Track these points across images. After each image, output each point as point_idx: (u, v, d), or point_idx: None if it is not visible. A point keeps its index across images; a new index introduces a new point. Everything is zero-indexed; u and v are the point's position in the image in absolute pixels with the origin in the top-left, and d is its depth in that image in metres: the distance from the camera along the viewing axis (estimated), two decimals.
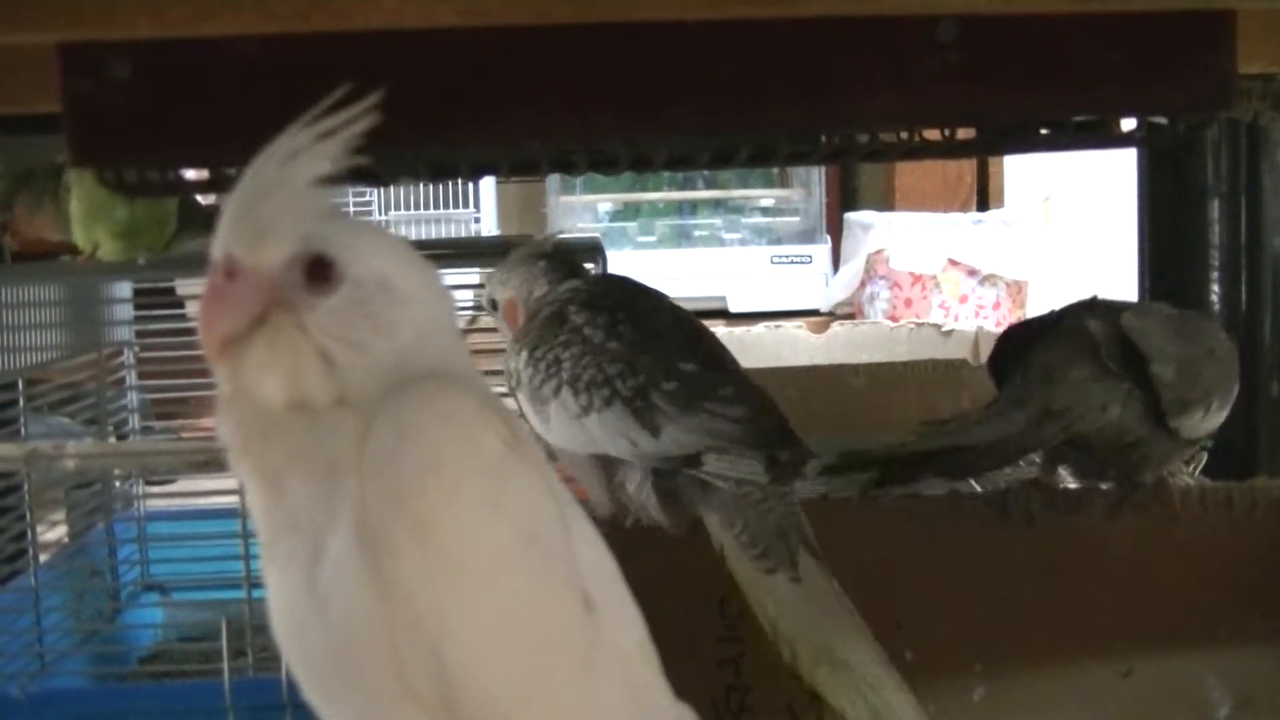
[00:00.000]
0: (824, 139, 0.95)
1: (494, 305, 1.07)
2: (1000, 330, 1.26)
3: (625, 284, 1.04)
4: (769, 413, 0.93)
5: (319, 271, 0.52)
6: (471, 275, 1.51)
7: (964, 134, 0.95)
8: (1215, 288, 1.47)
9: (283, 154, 0.53)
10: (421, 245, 1.65)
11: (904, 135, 0.93)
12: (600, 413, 0.92)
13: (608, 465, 0.95)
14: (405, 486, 0.51)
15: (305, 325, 0.52)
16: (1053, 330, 1.03)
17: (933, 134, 0.95)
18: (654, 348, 0.95)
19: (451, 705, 0.52)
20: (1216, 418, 1.03)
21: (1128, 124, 0.94)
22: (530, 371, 0.96)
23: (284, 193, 0.53)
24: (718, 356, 0.98)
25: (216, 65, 0.76)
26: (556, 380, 0.95)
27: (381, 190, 3.04)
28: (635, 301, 0.99)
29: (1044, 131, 0.92)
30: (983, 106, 0.79)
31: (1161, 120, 0.90)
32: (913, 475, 1.02)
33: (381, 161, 0.87)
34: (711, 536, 0.92)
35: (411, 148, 0.86)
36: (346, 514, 0.52)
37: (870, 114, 0.81)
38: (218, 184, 0.91)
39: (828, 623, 0.87)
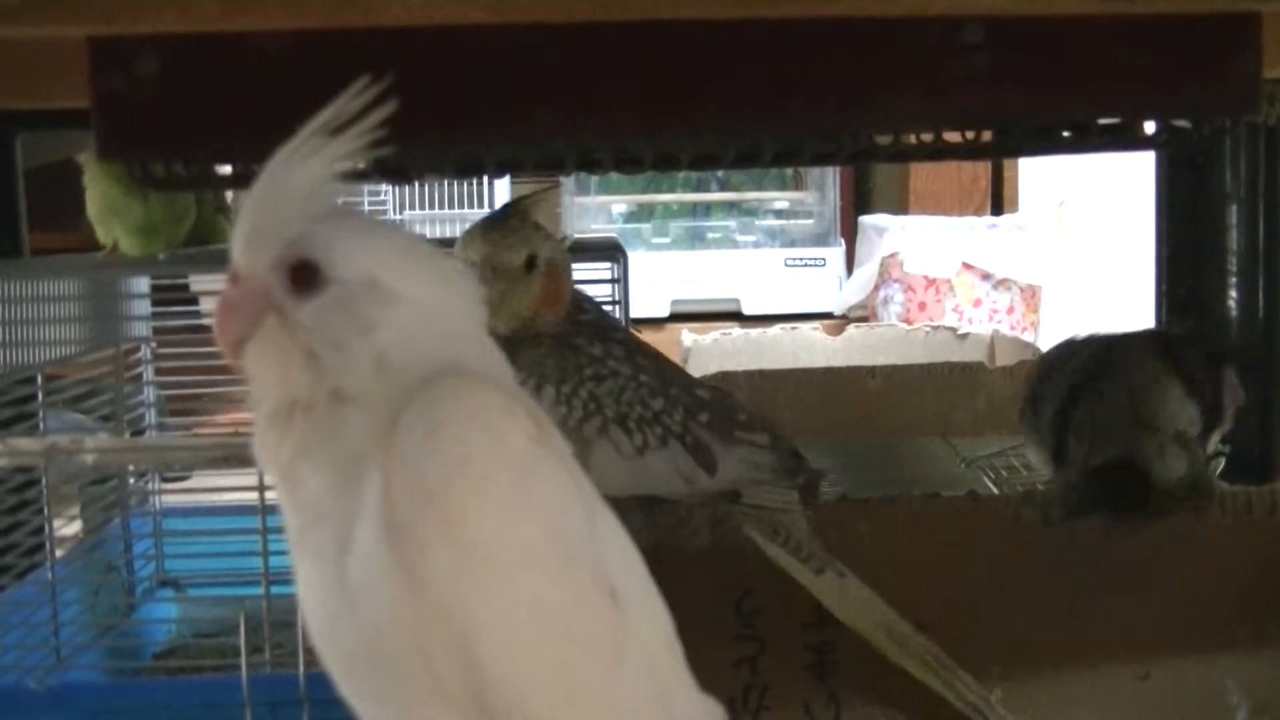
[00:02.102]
0: (848, 140, 0.95)
1: (530, 263, 0.90)
2: (1013, 335, 1.27)
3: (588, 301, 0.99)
4: (779, 434, 0.95)
5: (303, 275, 0.54)
6: None
7: (985, 135, 0.96)
8: (1233, 293, 1.46)
9: (283, 159, 0.54)
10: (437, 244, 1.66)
11: (926, 137, 0.93)
12: (657, 452, 0.89)
13: (648, 505, 0.91)
14: (433, 485, 0.52)
15: (291, 328, 0.54)
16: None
17: (953, 136, 0.95)
18: (671, 375, 0.93)
19: (481, 699, 0.52)
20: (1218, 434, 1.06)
21: (1149, 127, 0.94)
22: (564, 410, 0.89)
23: (277, 198, 0.54)
24: (693, 376, 0.98)
25: (245, 61, 0.76)
26: (600, 419, 0.89)
27: (397, 189, 3.04)
28: (612, 319, 0.97)
29: (1066, 134, 0.92)
30: (1008, 108, 0.79)
31: (1185, 124, 0.91)
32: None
33: (408, 158, 0.87)
34: (760, 547, 0.93)
35: (438, 144, 0.86)
36: (372, 507, 0.52)
37: (896, 115, 0.82)
38: (245, 179, 0.91)
39: (876, 604, 0.93)
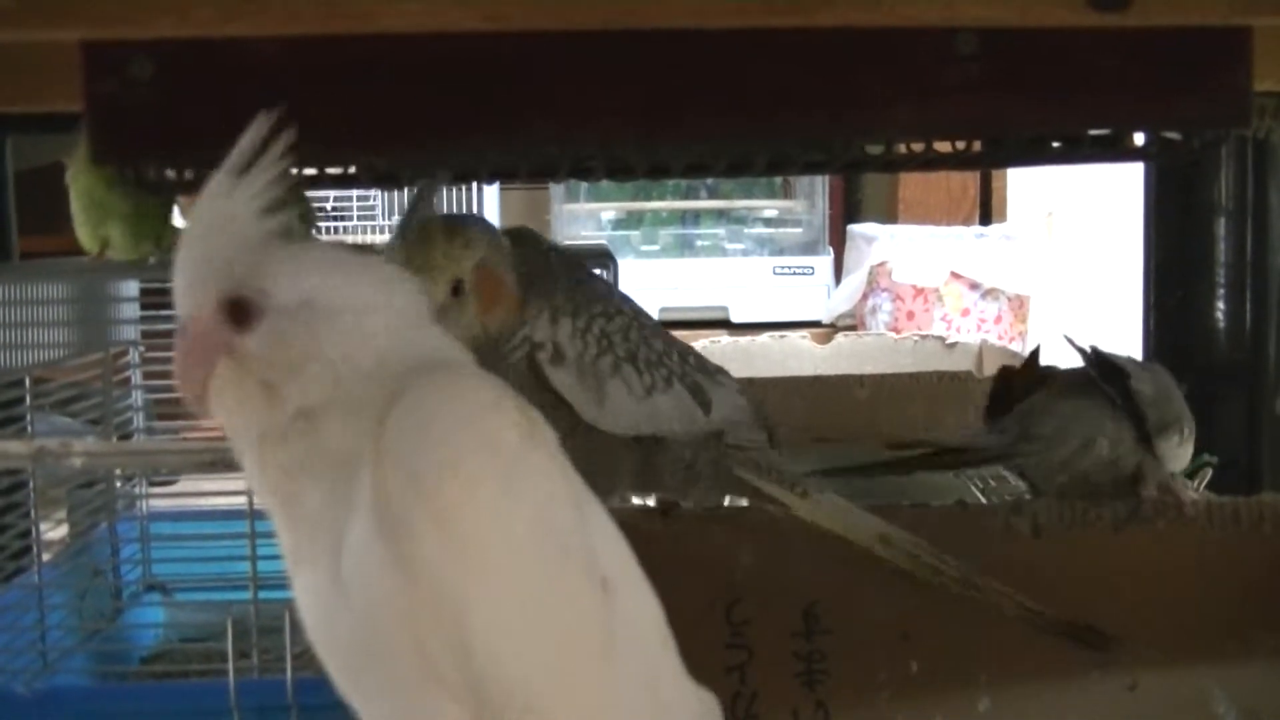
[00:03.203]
0: (840, 149, 0.95)
1: (456, 290, 0.83)
2: (1002, 345, 1.31)
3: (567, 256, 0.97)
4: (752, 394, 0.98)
5: (242, 310, 0.55)
6: None
7: (975, 146, 0.96)
8: (1221, 305, 1.47)
9: (205, 203, 0.56)
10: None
11: (917, 146, 0.93)
12: (664, 392, 0.90)
13: (643, 448, 0.92)
14: (427, 481, 0.52)
15: (243, 364, 0.55)
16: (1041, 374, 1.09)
17: (944, 145, 0.95)
18: (653, 323, 0.95)
19: (477, 689, 0.53)
20: (1187, 450, 1.07)
21: (1140, 139, 0.95)
22: (580, 344, 0.87)
23: (205, 243, 0.56)
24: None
25: (239, 66, 0.77)
26: (612, 356, 0.88)
27: (385, 196, 3.04)
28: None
29: (1057, 145, 0.93)
30: (1001, 119, 0.80)
31: (1175, 136, 0.91)
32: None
33: (401, 164, 0.87)
34: (744, 484, 0.95)
35: (432, 151, 0.86)
36: (365, 503, 0.53)
37: (889, 125, 0.82)
38: None
39: (862, 515, 0.94)
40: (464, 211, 2.83)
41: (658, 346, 0.91)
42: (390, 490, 0.53)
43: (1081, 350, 1.06)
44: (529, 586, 0.54)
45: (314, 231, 1.49)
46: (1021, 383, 1.09)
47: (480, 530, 0.53)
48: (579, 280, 0.90)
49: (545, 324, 0.86)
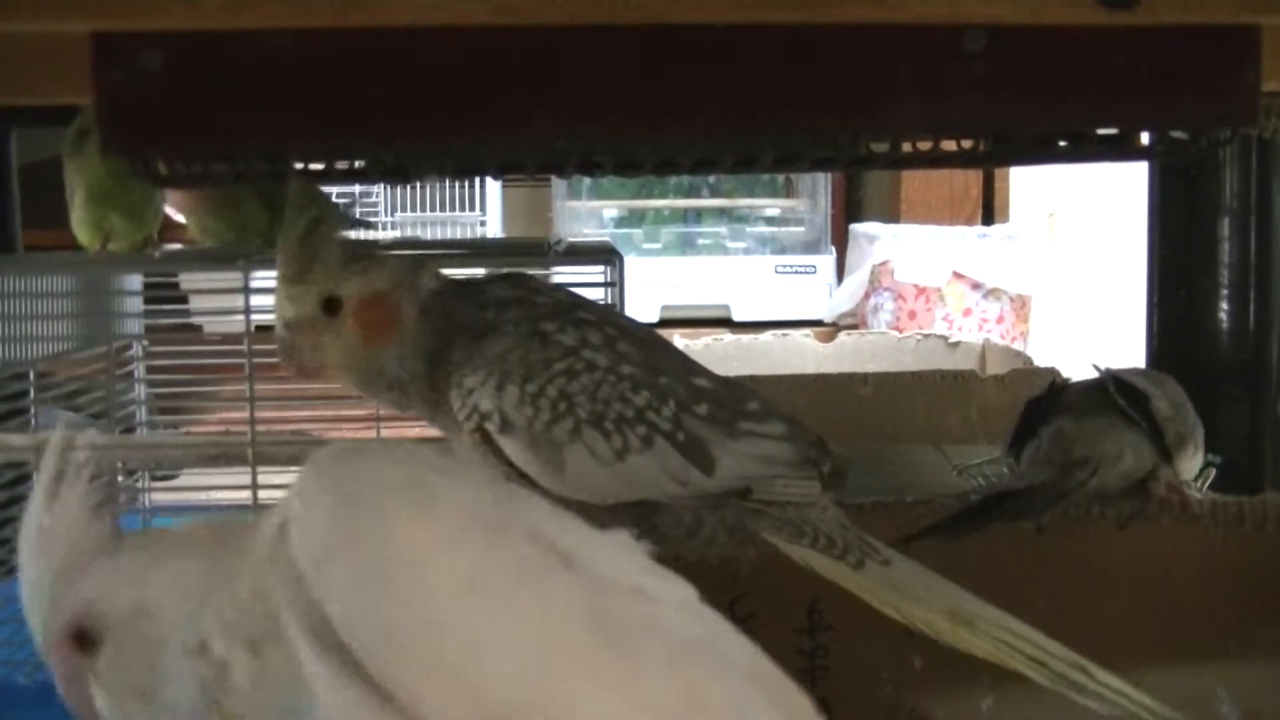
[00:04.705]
0: (848, 146, 0.95)
1: (329, 306, 0.79)
2: (1004, 344, 1.32)
3: (554, 285, 0.90)
4: (796, 422, 0.85)
5: (85, 639, 0.56)
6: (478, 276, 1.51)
7: (982, 144, 0.96)
8: (1224, 305, 1.47)
9: (23, 542, 0.57)
10: (428, 246, 1.66)
11: (924, 144, 0.93)
12: (640, 453, 0.79)
13: (640, 512, 0.82)
14: (368, 589, 0.52)
15: (107, 688, 0.56)
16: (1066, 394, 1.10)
17: (950, 143, 0.95)
18: (662, 364, 0.83)
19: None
20: (1199, 459, 1.08)
21: (1146, 138, 0.95)
22: (530, 410, 0.78)
23: (33, 585, 0.57)
24: (694, 362, 0.87)
25: (248, 59, 0.76)
26: (572, 420, 0.78)
27: (387, 192, 3.04)
28: (591, 305, 0.87)
29: (1064, 144, 0.93)
30: (1009, 117, 0.80)
31: (1182, 135, 0.91)
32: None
33: (410, 158, 0.87)
34: (785, 552, 0.85)
35: (440, 145, 0.86)
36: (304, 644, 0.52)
37: (897, 122, 0.82)
38: (247, 177, 0.91)
39: (934, 587, 0.83)
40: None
41: (640, 400, 0.80)
42: (332, 606, 0.52)
43: (1104, 377, 1.07)
44: (480, 612, 0.52)
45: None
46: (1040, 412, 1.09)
47: (432, 595, 0.52)
48: (545, 334, 0.81)
49: (491, 391, 0.79)
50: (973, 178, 3.07)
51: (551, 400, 0.78)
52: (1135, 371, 1.11)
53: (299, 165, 0.98)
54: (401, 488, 0.54)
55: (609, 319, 0.85)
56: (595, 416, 0.79)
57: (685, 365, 0.85)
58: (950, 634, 0.81)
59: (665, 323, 2.85)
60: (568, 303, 0.84)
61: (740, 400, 0.84)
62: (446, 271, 0.84)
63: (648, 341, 0.85)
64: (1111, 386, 1.05)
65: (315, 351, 0.80)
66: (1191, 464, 1.07)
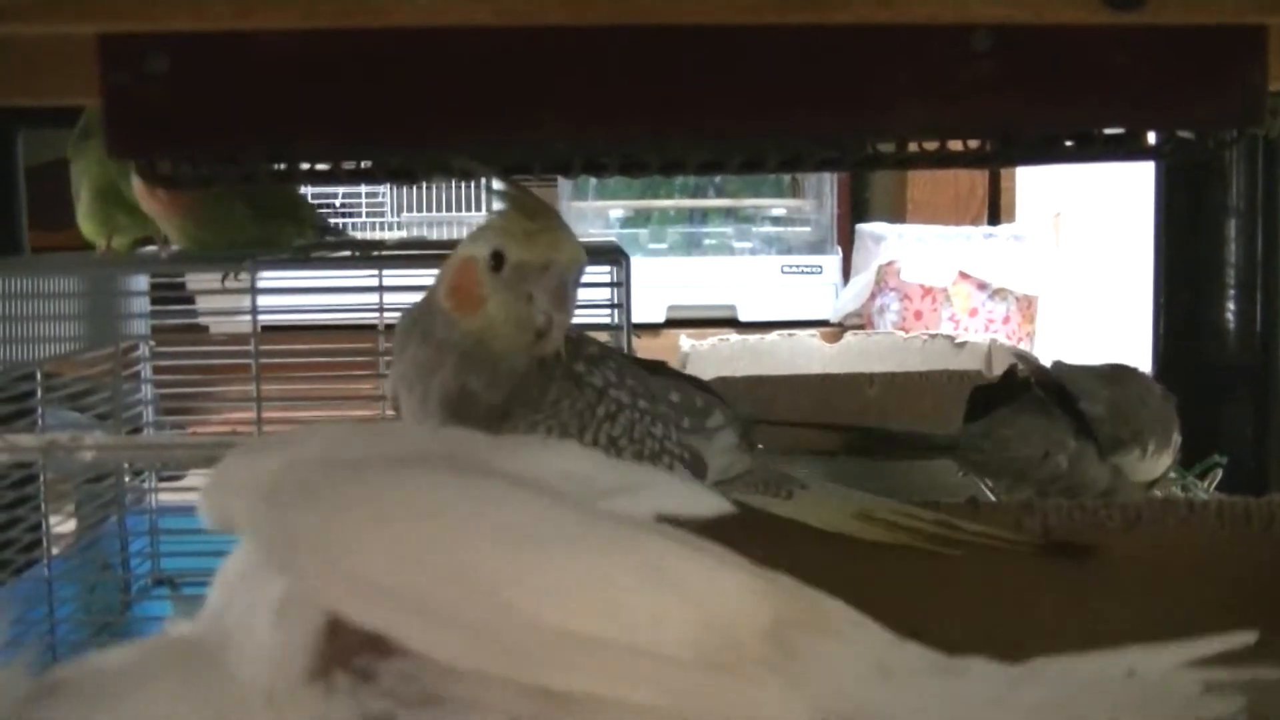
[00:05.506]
0: (853, 146, 0.95)
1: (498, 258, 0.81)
2: (1011, 345, 1.35)
3: None
4: (723, 402, 0.94)
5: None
6: None
7: (988, 144, 0.96)
8: (1231, 305, 1.47)
9: None
10: (435, 246, 1.66)
11: (930, 145, 0.93)
12: None
13: None
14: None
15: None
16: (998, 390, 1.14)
17: (956, 144, 0.95)
18: (653, 387, 0.89)
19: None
20: (1160, 461, 1.09)
21: (1153, 138, 0.95)
22: None
23: None
24: (660, 374, 0.94)
25: (255, 61, 0.77)
26: None
27: (394, 192, 3.04)
28: (588, 337, 0.91)
29: (1070, 144, 0.93)
30: (1017, 117, 0.80)
31: (1189, 135, 0.91)
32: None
33: (416, 160, 0.87)
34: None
35: (446, 146, 0.86)
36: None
37: (904, 123, 0.82)
38: (254, 179, 0.91)
39: (845, 495, 0.94)
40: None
41: (658, 430, 0.87)
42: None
43: (1032, 371, 1.09)
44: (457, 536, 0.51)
45: (323, 234, 1.48)
46: (996, 397, 1.12)
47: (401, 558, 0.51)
48: (579, 378, 0.85)
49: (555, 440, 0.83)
50: (979, 178, 3.07)
51: (603, 449, 0.84)
52: (1093, 368, 1.13)
53: (305, 166, 0.99)
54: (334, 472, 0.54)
55: (608, 351, 0.89)
56: (636, 456, 0.85)
57: (661, 383, 0.91)
58: (860, 530, 0.93)
59: (671, 323, 2.85)
60: (576, 339, 0.86)
61: (692, 403, 0.91)
62: None
63: (634, 366, 0.91)
64: (1039, 382, 1.09)
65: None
66: (1145, 467, 1.07)
